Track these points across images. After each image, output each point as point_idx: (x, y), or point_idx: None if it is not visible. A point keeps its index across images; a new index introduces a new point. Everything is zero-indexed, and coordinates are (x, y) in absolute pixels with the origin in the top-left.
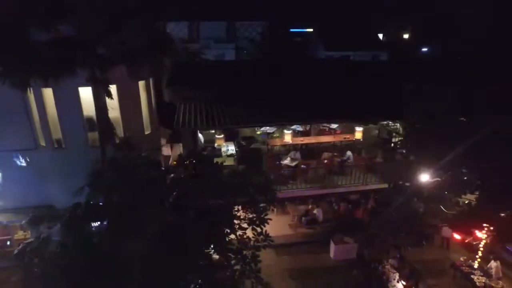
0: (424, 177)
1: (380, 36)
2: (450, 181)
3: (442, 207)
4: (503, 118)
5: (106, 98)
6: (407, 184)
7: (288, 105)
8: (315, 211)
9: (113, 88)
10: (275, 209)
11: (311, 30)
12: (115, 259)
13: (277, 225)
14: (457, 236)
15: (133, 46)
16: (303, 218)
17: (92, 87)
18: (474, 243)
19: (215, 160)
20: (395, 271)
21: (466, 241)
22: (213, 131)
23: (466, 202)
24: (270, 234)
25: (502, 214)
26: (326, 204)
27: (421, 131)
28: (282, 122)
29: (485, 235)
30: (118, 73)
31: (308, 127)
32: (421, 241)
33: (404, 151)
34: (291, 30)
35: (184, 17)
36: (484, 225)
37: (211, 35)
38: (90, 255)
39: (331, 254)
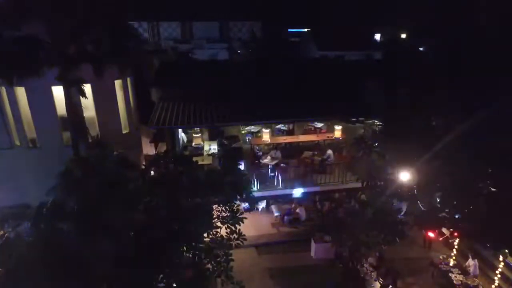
0: (398, 176)
1: (378, 36)
2: (420, 181)
3: (420, 205)
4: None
5: (81, 97)
6: (380, 182)
7: (270, 103)
8: (297, 210)
9: (87, 87)
10: (259, 209)
11: (307, 30)
12: (83, 259)
13: (260, 224)
14: (431, 234)
15: (101, 47)
16: (286, 217)
17: (62, 86)
18: (450, 240)
19: (195, 159)
20: (373, 269)
21: (441, 239)
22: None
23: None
24: (253, 233)
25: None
26: (310, 203)
27: (390, 131)
28: (262, 121)
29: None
30: (91, 72)
31: (291, 126)
32: (394, 238)
33: (378, 150)
34: (289, 30)
35: (177, 17)
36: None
37: (204, 35)
38: (56, 254)
39: (312, 253)
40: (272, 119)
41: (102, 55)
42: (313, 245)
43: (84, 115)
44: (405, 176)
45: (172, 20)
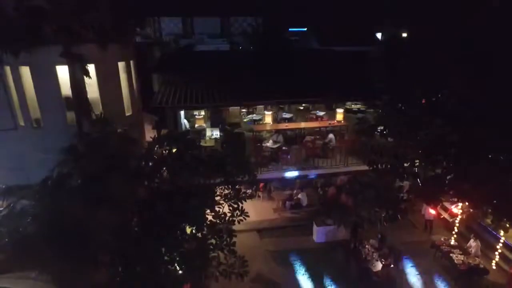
0: (400, 154)
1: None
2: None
3: (419, 182)
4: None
5: (84, 77)
6: (383, 163)
7: (270, 87)
8: (299, 196)
9: (91, 68)
10: (261, 196)
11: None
12: (86, 231)
13: (262, 210)
14: (432, 211)
15: (106, 24)
16: (287, 203)
17: (67, 64)
18: (451, 220)
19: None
20: (375, 250)
21: (442, 217)
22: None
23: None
24: (255, 219)
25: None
26: (311, 189)
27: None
28: (262, 101)
29: (460, 211)
30: (95, 52)
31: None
32: (396, 215)
33: (381, 131)
34: (290, 29)
35: (178, 12)
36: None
37: (205, 30)
38: (60, 226)
39: (314, 237)
40: (273, 99)
41: (105, 30)
42: (315, 228)
43: (88, 96)
44: (407, 152)
45: (173, 15)
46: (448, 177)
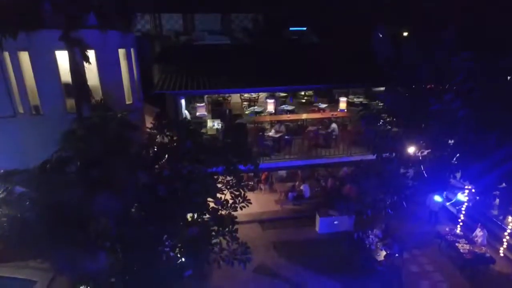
0: (406, 142)
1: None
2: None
3: (422, 168)
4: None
5: (84, 63)
6: (389, 151)
7: (269, 76)
8: (301, 187)
9: (91, 54)
10: (263, 188)
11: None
12: (85, 216)
13: (264, 202)
14: (438, 199)
15: (106, 9)
16: (290, 194)
17: (67, 49)
18: (456, 208)
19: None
20: (379, 240)
21: (448, 204)
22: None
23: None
24: (257, 210)
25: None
26: (314, 181)
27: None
28: (263, 87)
29: (466, 198)
30: (96, 38)
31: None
32: (401, 202)
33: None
34: (290, 29)
35: (178, 9)
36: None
37: (206, 27)
38: (59, 212)
39: (317, 228)
40: (273, 86)
41: (106, 14)
42: (318, 219)
43: (88, 84)
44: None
45: (173, 12)
46: (454, 159)
